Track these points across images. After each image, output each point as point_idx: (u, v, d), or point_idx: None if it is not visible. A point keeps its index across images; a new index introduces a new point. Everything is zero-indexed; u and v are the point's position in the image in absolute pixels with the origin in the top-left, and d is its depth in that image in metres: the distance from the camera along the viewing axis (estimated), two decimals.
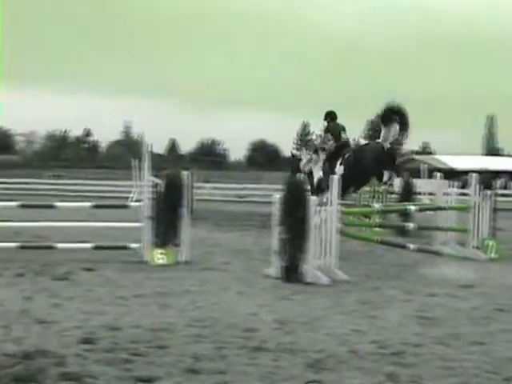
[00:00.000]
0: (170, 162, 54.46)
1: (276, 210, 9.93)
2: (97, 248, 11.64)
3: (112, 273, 9.90)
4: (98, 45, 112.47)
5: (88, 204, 12.52)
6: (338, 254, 10.04)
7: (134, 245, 11.47)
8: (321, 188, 12.95)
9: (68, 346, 5.83)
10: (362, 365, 5.50)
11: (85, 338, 6.10)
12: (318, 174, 13.91)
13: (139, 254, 11.26)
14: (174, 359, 5.52)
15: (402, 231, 15.50)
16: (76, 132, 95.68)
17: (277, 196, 9.97)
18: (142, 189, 13.03)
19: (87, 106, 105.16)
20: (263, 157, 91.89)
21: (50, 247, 11.69)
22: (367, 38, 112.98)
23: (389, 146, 12.76)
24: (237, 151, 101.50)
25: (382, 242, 12.62)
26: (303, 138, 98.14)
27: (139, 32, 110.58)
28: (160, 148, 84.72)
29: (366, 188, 19.34)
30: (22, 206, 12.49)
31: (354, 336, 6.48)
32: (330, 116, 14.11)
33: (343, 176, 12.02)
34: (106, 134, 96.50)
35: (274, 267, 9.83)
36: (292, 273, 9.56)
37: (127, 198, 26.27)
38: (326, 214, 9.88)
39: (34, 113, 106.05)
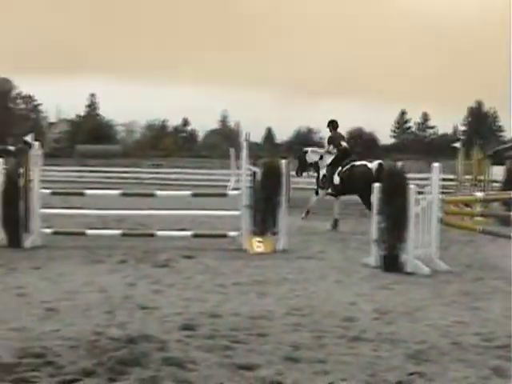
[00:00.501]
0: (267, 150, 54.66)
1: (375, 199, 9.81)
2: (196, 236, 11.83)
3: (211, 260, 10.03)
4: (199, 35, 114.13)
5: (188, 193, 12.72)
6: (438, 244, 9.83)
7: (232, 233, 11.58)
8: (323, 183, 16.00)
9: (170, 332, 5.94)
10: (465, 357, 5.37)
11: (186, 324, 6.21)
12: (322, 171, 16.10)
13: (237, 242, 11.37)
14: (273, 347, 5.54)
15: (506, 221, 15.00)
16: (174, 122, 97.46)
17: (376, 184, 9.84)
18: (239, 177, 13.14)
19: (186, 95, 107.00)
20: (360, 145, 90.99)
21: (151, 235, 11.97)
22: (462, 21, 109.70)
23: (377, 167, 14.49)
24: None
25: (484, 232, 12.25)
26: (401, 126, 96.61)
27: (239, 21, 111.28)
28: (256, 137, 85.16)
29: (467, 176, 18.86)
30: (124, 195, 12.84)
31: (456, 327, 6.32)
32: (332, 125, 16.13)
33: (342, 185, 15.30)
34: (203, 124, 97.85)
35: (373, 256, 9.72)
36: (391, 262, 9.43)
37: (224, 186, 26.55)
38: (426, 203, 9.69)
39: (134, 103, 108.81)
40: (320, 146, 19.00)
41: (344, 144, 15.95)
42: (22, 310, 6.73)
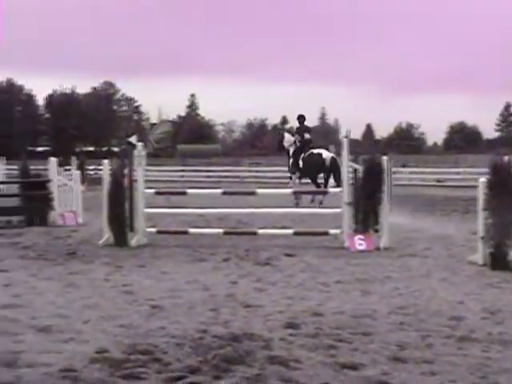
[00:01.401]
0: (367, 147, 54.06)
1: (481, 194, 9.50)
2: (297, 234, 11.81)
3: (313, 258, 9.99)
4: (299, 35, 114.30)
5: (288, 191, 12.72)
6: None
7: (333, 231, 11.50)
8: (292, 168, 19.17)
9: (273, 330, 5.94)
10: None
11: (289, 322, 6.20)
12: (290, 159, 19.36)
13: (339, 240, 11.27)
14: (378, 346, 5.45)
15: None
16: (274, 120, 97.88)
17: (482, 179, 9.53)
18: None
19: (286, 93, 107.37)
20: (463, 140, 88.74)
21: (253, 233, 12.04)
22: None
23: (330, 158, 18.33)
24: (435, 134, 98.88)
25: None
26: (506, 120, 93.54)
27: (336, 18, 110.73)
28: (356, 134, 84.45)
29: None
30: (225, 193, 12.97)
31: None
32: (300, 119, 19.67)
33: (302, 169, 18.73)
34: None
35: (480, 254, 9.42)
36: (499, 260, 9.11)
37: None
38: None
39: (234, 102, 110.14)
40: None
41: (307, 135, 19.19)
42: (129, 307, 6.90)
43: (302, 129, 19.59)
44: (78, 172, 16.99)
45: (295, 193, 15.79)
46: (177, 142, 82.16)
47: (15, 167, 27.11)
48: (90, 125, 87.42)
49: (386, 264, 9.52)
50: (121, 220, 11.52)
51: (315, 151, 18.70)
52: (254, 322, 6.23)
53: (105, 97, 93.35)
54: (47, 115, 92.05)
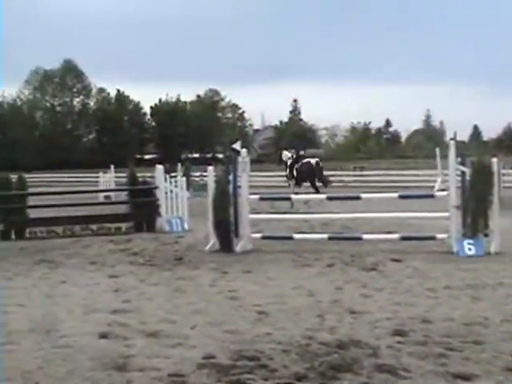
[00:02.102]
0: (474, 149, 52.58)
1: None
2: (404, 239, 11.57)
3: (420, 263, 9.76)
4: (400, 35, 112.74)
5: (394, 195, 12.50)
6: None
7: (441, 235, 11.20)
8: (290, 176, 23.54)
9: (380, 338, 5.83)
10: None
11: (396, 329, 6.07)
12: (287, 169, 23.87)
13: (447, 245, 10.97)
14: (491, 356, 5.24)
15: None
16: (377, 124, 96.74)
17: None
18: (446, 178, 12.71)
19: (390, 95, 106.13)
20: None
21: (358, 238, 11.89)
22: None
23: (315, 163, 22.79)
24: None
25: None
26: None
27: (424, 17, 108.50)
28: (462, 135, 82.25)
29: None
30: (329, 198, 12.90)
31: None
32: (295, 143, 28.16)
33: (296, 176, 22.97)
34: (406, 124, 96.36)
35: None
36: None
37: (430, 187, 25.83)
38: None
39: (336, 106, 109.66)
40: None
41: (301, 152, 24.28)
42: (235, 312, 6.95)
43: (298, 147, 25.15)
44: (184, 178, 17.29)
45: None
46: (280, 148, 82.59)
47: (124, 175, 27.95)
48: (195, 132, 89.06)
49: (497, 269, 9.19)
50: (226, 226, 11.64)
51: (305, 161, 23.22)
52: (360, 329, 6.13)
53: (209, 104, 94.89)
54: (153, 123, 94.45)
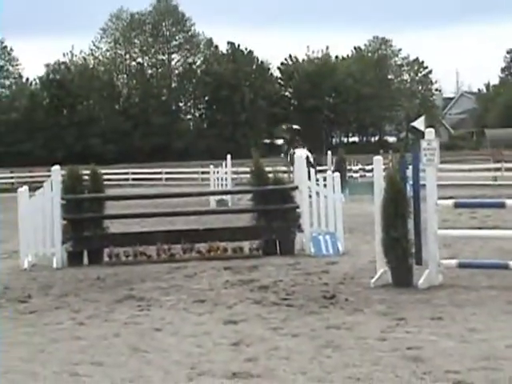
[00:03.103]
0: None
1: None
2: None
3: None
4: None
5: None
6: None
7: None
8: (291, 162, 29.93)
9: None
10: None
11: None
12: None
13: None
14: None
15: None
16: None
17: None
18: None
19: None
20: None
21: None
22: None
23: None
24: None
25: None
26: None
27: None
28: None
29: None
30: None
31: None
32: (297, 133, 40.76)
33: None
34: None
35: None
36: None
37: None
38: None
39: None
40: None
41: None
42: (419, 382, 6.83)
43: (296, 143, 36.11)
44: (336, 174, 17.21)
45: None
46: (484, 125, 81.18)
47: (245, 169, 28.27)
48: (352, 103, 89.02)
49: None
50: (402, 247, 11.50)
51: (296, 150, 31.50)
52: None
53: (374, 61, 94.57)
54: (287, 92, 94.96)
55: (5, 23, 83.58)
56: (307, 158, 27.65)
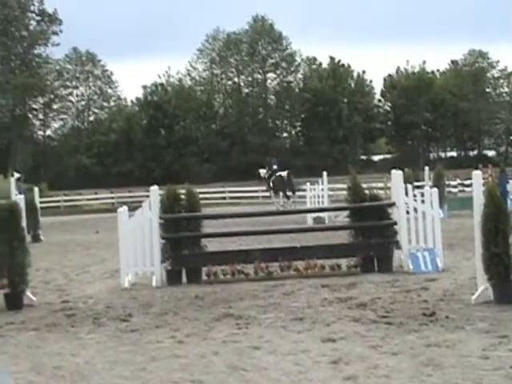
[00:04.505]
0: None
1: None
2: None
3: None
4: None
5: None
6: None
7: None
8: (268, 188, 45.03)
9: None
10: None
11: None
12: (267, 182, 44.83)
13: None
14: None
15: None
16: None
17: None
18: None
19: None
20: None
21: None
22: None
23: (286, 175, 42.33)
24: None
25: None
26: None
27: None
28: None
29: None
30: None
31: None
32: (270, 158, 48.88)
33: (272, 187, 43.51)
34: None
35: None
36: None
37: None
38: None
39: None
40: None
41: (274, 167, 43.91)
42: None
43: (271, 163, 44.85)
44: (435, 190, 17.03)
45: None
46: None
47: (342, 186, 28.22)
48: (450, 117, 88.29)
49: None
50: (503, 263, 11.31)
51: (277, 174, 42.24)
52: None
53: (472, 74, 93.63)
54: (386, 106, 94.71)
55: (104, 48, 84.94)
56: (288, 175, 40.12)
